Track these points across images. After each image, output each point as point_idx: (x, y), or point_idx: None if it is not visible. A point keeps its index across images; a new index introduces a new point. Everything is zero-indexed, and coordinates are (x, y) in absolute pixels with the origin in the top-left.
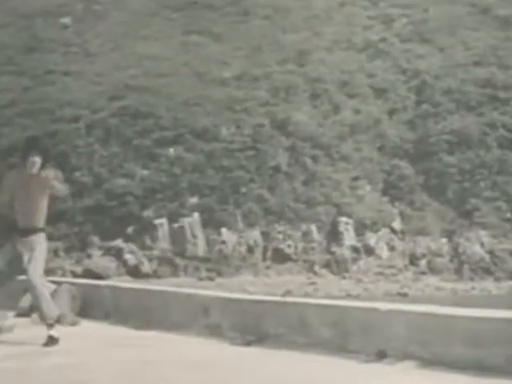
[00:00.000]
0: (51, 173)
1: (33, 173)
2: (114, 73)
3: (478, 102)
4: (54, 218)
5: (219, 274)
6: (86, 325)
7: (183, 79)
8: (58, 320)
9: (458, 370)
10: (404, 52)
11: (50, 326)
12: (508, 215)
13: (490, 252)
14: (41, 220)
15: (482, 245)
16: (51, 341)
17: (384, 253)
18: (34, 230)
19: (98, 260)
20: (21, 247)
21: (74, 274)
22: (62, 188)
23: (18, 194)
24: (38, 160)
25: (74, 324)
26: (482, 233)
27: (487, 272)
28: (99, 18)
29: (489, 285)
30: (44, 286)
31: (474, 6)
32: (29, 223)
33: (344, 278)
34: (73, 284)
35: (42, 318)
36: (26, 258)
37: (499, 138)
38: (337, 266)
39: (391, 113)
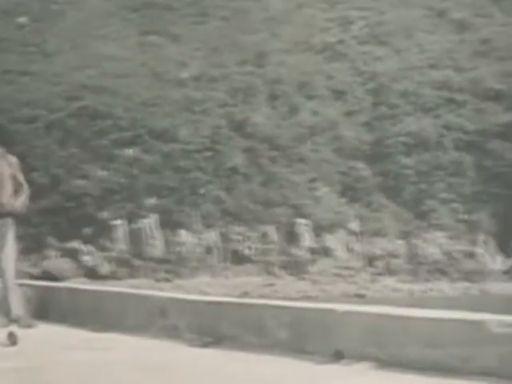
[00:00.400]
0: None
1: None
2: (72, 73)
3: (434, 105)
4: None
5: (177, 275)
6: (43, 327)
7: (141, 80)
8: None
9: (414, 371)
10: (361, 54)
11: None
12: (464, 217)
13: (446, 253)
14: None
15: (438, 246)
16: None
17: (341, 254)
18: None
19: (56, 262)
20: None
21: (31, 276)
22: (24, 183)
23: None
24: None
25: (29, 327)
26: (438, 234)
27: (443, 273)
28: (57, 18)
29: (444, 286)
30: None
31: (430, 10)
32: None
33: (302, 279)
34: (29, 286)
35: (7, 315)
36: None
37: (455, 140)
38: (295, 268)
39: (349, 115)
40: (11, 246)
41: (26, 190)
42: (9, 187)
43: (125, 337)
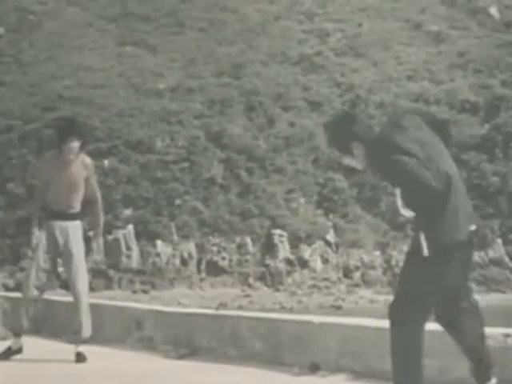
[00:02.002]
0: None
1: (71, 159)
2: (48, 83)
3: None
4: None
5: (153, 286)
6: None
7: (118, 90)
8: None
9: (390, 382)
10: (338, 66)
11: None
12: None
13: None
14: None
15: None
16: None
17: (318, 265)
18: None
19: None
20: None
21: (6, 288)
22: (98, 191)
23: (54, 184)
24: (77, 145)
25: (4, 339)
26: None
27: None
28: (33, 28)
29: None
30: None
31: (407, 22)
32: (67, 210)
33: (278, 290)
34: (5, 298)
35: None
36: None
37: None
38: (271, 279)
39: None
40: (80, 257)
41: (99, 198)
42: (81, 191)
43: (100, 348)
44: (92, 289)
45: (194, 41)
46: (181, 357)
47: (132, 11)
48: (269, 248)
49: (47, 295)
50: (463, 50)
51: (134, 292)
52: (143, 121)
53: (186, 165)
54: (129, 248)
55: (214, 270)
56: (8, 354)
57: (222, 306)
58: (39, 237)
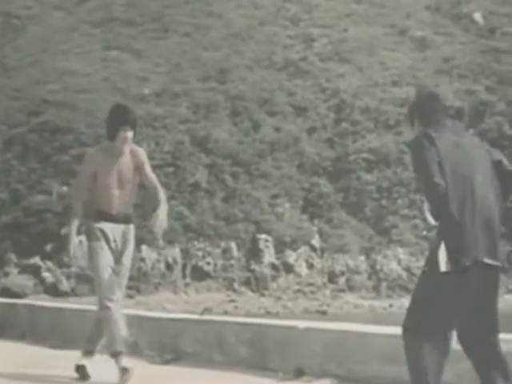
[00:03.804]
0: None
1: (124, 149)
2: (33, 88)
3: (395, 121)
4: None
5: (138, 291)
6: (1, 345)
7: (103, 95)
8: None
9: None
10: (324, 71)
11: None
12: (425, 233)
13: (407, 269)
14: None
15: (400, 262)
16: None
17: (303, 270)
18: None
19: (15, 278)
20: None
21: None
22: (155, 179)
23: (103, 179)
24: (131, 135)
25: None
26: (400, 250)
27: (404, 289)
28: (18, 33)
29: (406, 302)
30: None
31: (392, 27)
32: (120, 212)
33: (263, 295)
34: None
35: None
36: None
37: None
38: (256, 284)
39: (311, 131)
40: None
41: (158, 186)
42: (130, 185)
43: None
44: (77, 294)
45: (179, 45)
46: (166, 362)
47: (117, 16)
48: (254, 253)
49: (31, 300)
50: (448, 56)
51: None
52: None
53: (170, 169)
54: None
55: (199, 274)
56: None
57: (207, 311)
58: (99, 244)
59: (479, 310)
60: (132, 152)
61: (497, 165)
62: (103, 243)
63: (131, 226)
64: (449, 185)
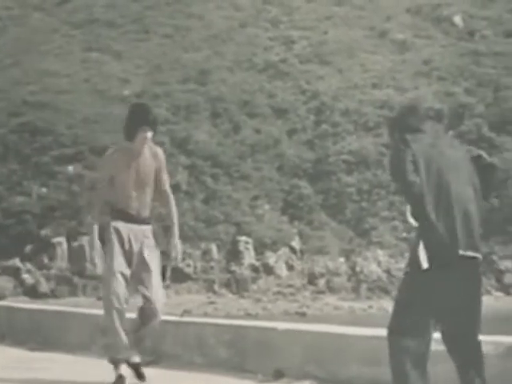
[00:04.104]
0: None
1: (143, 150)
2: (13, 89)
3: (375, 123)
4: None
5: None
6: None
7: (83, 96)
8: None
9: None
10: (304, 73)
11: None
12: (404, 235)
13: (387, 271)
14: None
15: (379, 264)
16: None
17: (283, 272)
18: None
19: None
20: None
21: None
22: (168, 186)
23: (122, 180)
24: (150, 135)
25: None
26: (379, 252)
27: (384, 291)
28: None
29: (386, 303)
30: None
31: (372, 30)
32: (139, 213)
33: (243, 297)
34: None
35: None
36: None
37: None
38: (236, 286)
39: (291, 133)
40: (157, 270)
41: (169, 193)
42: (151, 188)
43: (65, 356)
44: (56, 296)
45: (160, 47)
46: (146, 364)
47: (97, 17)
48: (234, 255)
49: (10, 302)
50: (428, 59)
51: (99, 299)
52: (108, 127)
53: None
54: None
55: (179, 276)
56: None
57: (187, 312)
58: (111, 245)
59: (463, 307)
60: (153, 153)
61: (476, 160)
62: (116, 245)
63: (149, 228)
64: (424, 183)
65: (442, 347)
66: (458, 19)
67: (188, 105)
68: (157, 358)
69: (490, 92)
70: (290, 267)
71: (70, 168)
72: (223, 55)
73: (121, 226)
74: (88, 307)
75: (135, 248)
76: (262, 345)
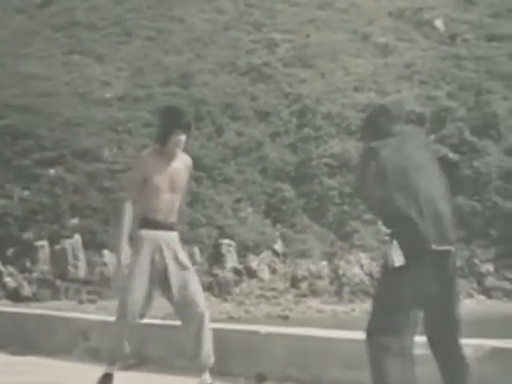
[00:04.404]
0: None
1: (176, 154)
2: None
3: (357, 127)
4: None
5: (100, 296)
6: None
7: (65, 99)
8: None
9: None
10: (286, 76)
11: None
12: (386, 238)
13: (369, 274)
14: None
15: (362, 267)
16: None
17: (266, 275)
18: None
19: None
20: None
21: None
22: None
23: (154, 183)
24: (184, 139)
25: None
26: (362, 255)
27: (367, 294)
28: None
29: (368, 307)
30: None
31: (355, 34)
32: (167, 218)
33: (226, 300)
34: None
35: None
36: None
37: None
38: (219, 289)
39: (274, 136)
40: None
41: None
42: (181, 193)
43: (46, 360)
44: (39, 299)
45: (142, 50)
46: (128, 367)
47: (79, 20)
48: (216, 258)
49: None
50: (410, 62)
51: (81, 302)
52: (90, 130)
53: None
54: (76, 258)
55: None
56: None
57: (169, 315)
58: (138, 253)
59: (442, 302)
60: (184, 160)
61: (443, 159)
62: (142, 259)
63: (177, 234)
64: (391, 188)
65: (424, 350)
66: (439, 23)
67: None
68: (140, 362)
69: (471, 96)
70: (273, 270)
71: (52, 171)
72: (205, 58)
73: (149, 234)
74: (70, 311)
75: (167, 255)
76: (244, 348)
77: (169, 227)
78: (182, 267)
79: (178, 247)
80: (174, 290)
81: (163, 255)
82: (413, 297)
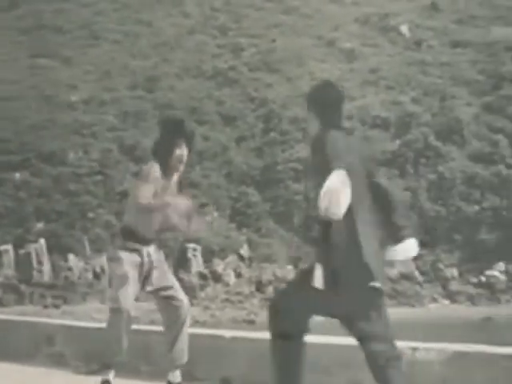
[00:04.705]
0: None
1: (178, 170)
2: None
3: None
4: None
5: (65, 301)
6: None
7: (31, 103)
8: None
9: None
10: (252, 81)
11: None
12: None
13: None
14: None
15: None
16: None
17: (231, 279)
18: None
19: None
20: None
21: None
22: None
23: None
24: (186, 153)
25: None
26: None
27: None
28: None
29: None
30: None
31: (320, 39)
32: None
33: (191, 304)
34: None
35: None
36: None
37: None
38: (184, 293)
39: (239, 140)
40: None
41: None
42: None
43: (9, 365)
44: (3, 304)
45: (109, 53)
46: (91, 372)
47: (45, 23)
48: (182, 262)
49: None
50: (375, 67)
51: (46, 307)
52: (56, 133)
53: (98, 178)
54: (40, 262)
55: None
56: None
57: (135, 319)
58: (126, 266)
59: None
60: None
61: (374, 186)
62: (129, 270)
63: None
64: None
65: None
66: (404, 29)
67: (136, 111)
68: (104, 366)
69: (436, 101)
70: (238, 274)
71: (17, 175)
72: (171, 62)
73: (142, 249)
74: (34, 315)
75: (150, 268)
76: (209, 352)
77: (151, 241)
78: (164, 278)
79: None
80: (155, 281)
81: (147, 269)
82: (312, 309)
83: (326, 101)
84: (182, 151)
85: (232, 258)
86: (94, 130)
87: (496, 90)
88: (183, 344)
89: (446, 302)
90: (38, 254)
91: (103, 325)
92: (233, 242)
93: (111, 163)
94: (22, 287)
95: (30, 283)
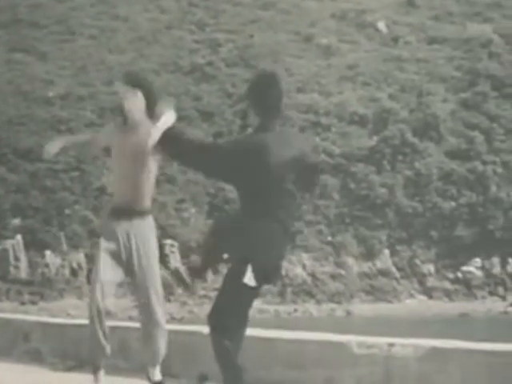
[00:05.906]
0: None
1: (135, 122)
2: None
3: (300, 128)
4: None
5: (42, 297)
6: None
7: (7, 98)
8: None
9: None
10: (230, 76)
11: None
12: (329, 238)
13: (312, 275)
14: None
15: (304, 267)
16: None
17: (209, 275)
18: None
19: None
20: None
21: None
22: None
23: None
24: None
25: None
26: (304, 256)
27: (309, 294)
28: None
29: (311, 307)
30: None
31: (297, 35)
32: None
33: (169, 301)
34: None
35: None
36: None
37: (321, 163)
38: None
39: (217, 136)
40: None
41: None
42: (151, 173)
43: None
44: None
45: (85, 48)
46: (68, 369)
47: (22, 18)
48: (160, 258)
49: None
50: (352, 64)
51: (23, 303)
52: (32, 129)
53: (75, 174)
54: (17, 258)
55: None
56: None
57: (112, 316)
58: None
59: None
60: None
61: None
62: (105, 249)
63: (147, 221)
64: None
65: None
66: (381, 25)
67: (113, 107)
68: (80, 363)
69: (413, 98)
70: (216, 271)
71: None
72: (148, 57)
73: (113, 224)
74: (11, 312)
75: (125, 247)
76: (186, 349)
77: (134, 213)
78: (139, 264)
79: (144, 237)
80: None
81: (120, 248)
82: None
83: (265, 98)
84: (133, 100)
85: None
86: (71, 125)
87: (472, 86)
88: (160, 340)
89: (423, 297)
90: (14, 250)
91: (80, 321)
92: None
93: (88, 159)
94: None
95: (7, 279)
